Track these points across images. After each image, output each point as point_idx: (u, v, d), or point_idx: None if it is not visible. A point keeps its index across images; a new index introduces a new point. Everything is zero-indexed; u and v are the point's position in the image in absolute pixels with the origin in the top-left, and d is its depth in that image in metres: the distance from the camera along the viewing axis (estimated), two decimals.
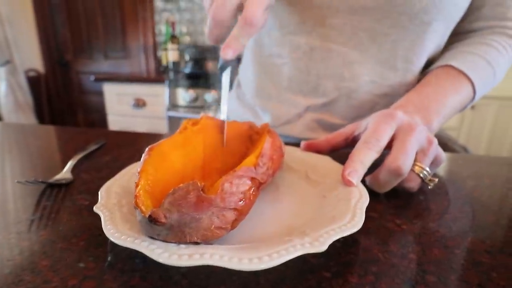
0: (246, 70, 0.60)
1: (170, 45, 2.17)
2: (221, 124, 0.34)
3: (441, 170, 0.43)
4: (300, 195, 0.30)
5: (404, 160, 0.28)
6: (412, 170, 0.30)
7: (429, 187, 0.32)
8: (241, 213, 0.21)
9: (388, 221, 0.28)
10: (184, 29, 2.31)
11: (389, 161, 0.29)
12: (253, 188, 0.23)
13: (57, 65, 2.75)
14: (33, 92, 2.73)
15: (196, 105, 1.67)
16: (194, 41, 2.28)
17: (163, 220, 0.18)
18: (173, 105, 1.70)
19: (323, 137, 0.37)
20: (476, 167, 0.43)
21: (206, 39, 2.23)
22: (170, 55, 2.19)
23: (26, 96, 2.67)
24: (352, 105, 0.48)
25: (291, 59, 0.50)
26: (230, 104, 0.68)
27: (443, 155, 0.33)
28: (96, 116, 2.74)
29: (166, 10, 2.27)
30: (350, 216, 0.23)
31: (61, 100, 2.88)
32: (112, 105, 1.93)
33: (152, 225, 0.19)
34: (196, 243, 0.20)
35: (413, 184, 0.31)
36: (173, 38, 2.19)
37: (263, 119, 0.57)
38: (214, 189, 0.20)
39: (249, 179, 0.23)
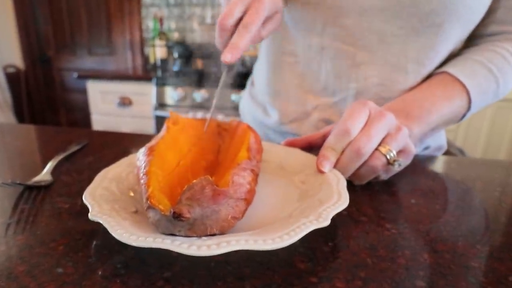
0: (260, 66, 0.62)
1: (158, 42, 2.16)
2: (195, 122, 0.37)
3: (434, 174, 0.44)
4: (282, 184, 0.33)
5: (365, 142, 0.31)
6: (377, 149, 0.32)
7: (395, 168, 0.33)
8: (248, 202, 0.24)
9: (378, 225, 0.29)
10: (173, 25, 2.30)
11: (351, 142, 0.31)
12: (253, 179, 0.25)
13: (38, 61, 2.71)
14: (12, 89, 2.68)
15: (185, 104, 1.66)
16: (183, 38, 2.28)
17: (187, 215, 0.20)
18: (161, 104, 1.70)
19: (301, 137, 0.40)
20: (469, 170, 0.44)
21: (195, 36, 2.23)
22: (158, 52, 2.18)
23: (4, 93, 2.62)
24: None
25: (303, 57, 0.52)
26: (243, 102, 0.71)
27: (413, 148, 0.35)
28: (79, 115, 2.71)
29: (154, 5, 2.27)
30: (337, 196, 0.26)
31: (42, 98, 2.83)
32: (96, 103, 1.91)
33: (175, 222, 0.20)
34: (214, 235, 0.22)
35: (377, 163, 0.32)
36: (161, 34, 2.18)
37: (272, 116, 0.58)
38: (223, 182, 0.23)
39: (250, 170, 0.25)
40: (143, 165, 0.24)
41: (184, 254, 0.19)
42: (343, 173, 0.31)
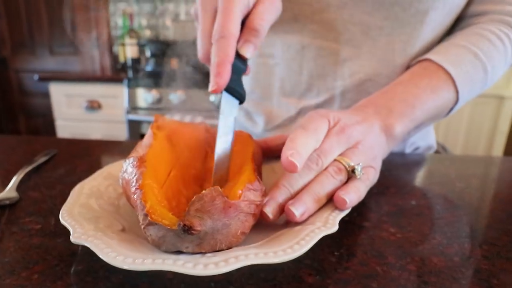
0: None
1: (128, 40, 2.10)
2: (181, 127, 0.35)
3: (429, 172, 0.45)
4: None
5: (317, 159, 0.28)
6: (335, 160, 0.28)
7: (357, 176, 0.28)
8: (256, 218, 0.23)
9: (382, 230, 0.28)
10: (144, 22, 2.24)
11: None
12: (262, 195, 0.24)
13: None
14: None
15: (160, 107, 1.62)
16: (156, 35, 2.23)
17: (198, 227, 0.19)
18: (134, 108, 1.65)
19: (263, 139, 0.36)
20: (463, 167, 0.46)
21: (169, 33, 2.19)
22: (128, 50, 2.12)
23: None
24: (347, 106, 0.48)
25: (283, 59, 0.50)
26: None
27: (379, 164, 0.32)
28: (41, 121, 2.58)
29: (122, 0, 2.20)
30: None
31: None
32: (60, 108, 1.83)
33: (183, 236, 0.20)
34: (217, 251, 0.21)
35: (332, 168, 0.28)
36: (131, 31, 2.12)
37: (258, 122, 0.57)
38: (232, 195, 0.22)
39: (260, 186, 0.24)
40: (135, 178, 0.23)
41: (184, 274, 0.18)
42: (296, 184, 0.27)
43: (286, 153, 0.24)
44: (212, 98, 1.60)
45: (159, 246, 0.21)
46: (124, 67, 2.10)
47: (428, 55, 0.41)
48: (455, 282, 0.22)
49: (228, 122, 0.28)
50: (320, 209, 0.27)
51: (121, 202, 0.31)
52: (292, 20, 0.47)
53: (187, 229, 0.19)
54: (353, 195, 0.26)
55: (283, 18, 0.48)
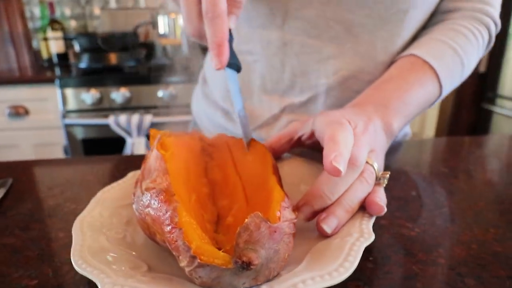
0: (213, 70, 0.58)
1: (50, 33, 1.87)
2: (178, 141, 0.33)
3: (413, 158, 0.49)
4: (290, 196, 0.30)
5: (360, 152, 0.28)
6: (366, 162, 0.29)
7: (381, 185, 0.29)
8: (294, 237, 0.23)
9: (401, 227, 0.30)
10: (67, 12, 2.02)
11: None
12: (293, 210, 0.24)
13: None
14: None
15: (103, 107, 1.49)
16: (84, 27, 2.02)
17: (256, 261, 0.19)
18: (71, 111, 1.49)
19: (268, 143, 0.36)
20: (440, 150, 0.50)
21: (98, 24, 2.00)
22: (52, 45, 1.90)
23: None
24: (331, 104, 0.49)
25: (263, 55, 0.49)
26: (196, 103, 0.65)
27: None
28: None
29: None
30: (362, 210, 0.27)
31: None
32: None
33: (241, 273, 0.19)
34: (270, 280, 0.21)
35: (369, 175, 0.28)
36: (54, 23, 1.89)
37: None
38: (272, 217, 0.22)
39: (290, 202, 0.24)
40: (168, 215, 0.21)
41: None
42: (338, 192, 0.26)
43: (329, 157, 0.24)
44: (160, 93, 1.51)
45: (212, 287, 0.20)
46: (50, 65, 1.88)
47: (413, 50, 0.43)
48: (483, 270, 0.25)
49: (239, 97, 0.32)
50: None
51: (129, 234, 0.28)
52: (271, 15, 0.46)
53: (246, 266, 0.19)
54: (384, 199, 0.27)
55: (261, 13, 0.47)
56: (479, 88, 2.01)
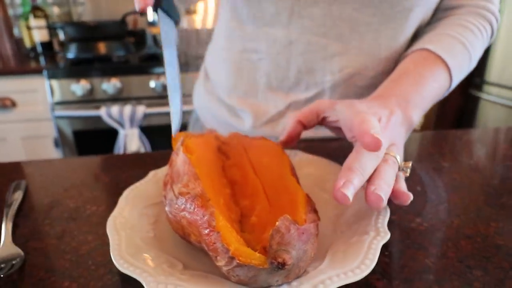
0: (217, 68, 0.58)
1: (33, 21, 1.81)
2: (198, 142, 0.34)
3: (416, 154, 0.51)
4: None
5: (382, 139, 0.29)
6: (387, 153, 0.31)
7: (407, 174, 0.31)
8: (317, 236, 0.25)
9: (410, 222, 0.33)
10: None
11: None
12: (314, 211, 0.26)
13: None
14: None
15: (94, 98, 1.47)
16: (68, 14, 1.96)
17: (289, 262, 0.21)
18: (60, 102, 1.46)
19: (292, 120, 0.37)
20: (439, 144, 0.53)
21: (83, 11, 1.94)
22: (36, 34, 1.83)
23: None
24: (336, 99, 0.50)
25: (268, 54, 0.50)
26: (198, 99, 0.65)
27: None
28: None
29: None
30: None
31: None
32: None
33: (275, 272, 0.21)
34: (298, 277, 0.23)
35: (391, 165, 0.30)
36: (36, 10, 1.83)
37: (244, 119, 0.56)
38: (299, 219, 0.23)
39: (312, 203, 0.27)
40: (205, 219, 0.22)
41: None
42: (362, 174, 0.27)
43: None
44: (153, 84, 1.50)
45: (249, 284, 0.22)
46: (36, 55, 1.83)
47: (425, 45, 0.44)
48: (489, 262, 0.27)
49: (172, 51, 0.31)
50: (360, 214, 0.30)
51: (158, 233, 0.30)
52: (277, 14, 0.47)
53: (281, 266, 0.21)
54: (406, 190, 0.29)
55: (267, 12, 0.48)
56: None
